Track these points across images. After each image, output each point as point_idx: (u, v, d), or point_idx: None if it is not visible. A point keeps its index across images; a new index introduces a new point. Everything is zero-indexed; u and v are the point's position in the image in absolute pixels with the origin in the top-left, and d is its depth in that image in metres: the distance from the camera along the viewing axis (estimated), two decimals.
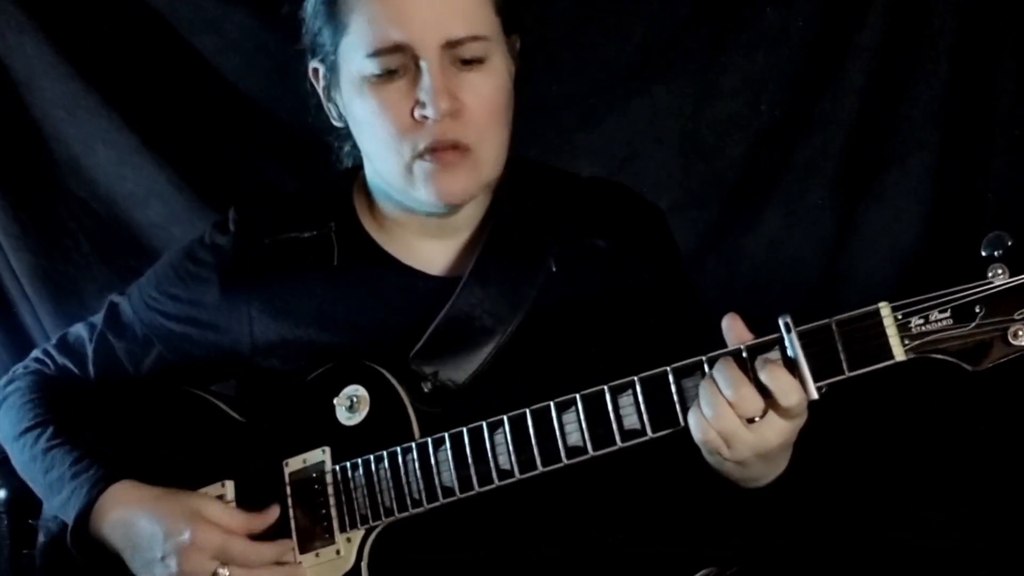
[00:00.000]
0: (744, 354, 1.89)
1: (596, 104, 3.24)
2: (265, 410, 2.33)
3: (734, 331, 1.92)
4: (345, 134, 2.33)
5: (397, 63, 2.12)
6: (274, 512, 2.23)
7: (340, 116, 2.29)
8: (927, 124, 3.13)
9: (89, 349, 2.43)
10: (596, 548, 2.24)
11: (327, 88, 2.28)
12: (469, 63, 2.13)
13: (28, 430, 2.35)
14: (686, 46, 3.22)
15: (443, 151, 2.14)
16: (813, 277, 3.20)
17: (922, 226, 3.12)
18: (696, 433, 1.90)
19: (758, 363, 1.87)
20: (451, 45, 2.11)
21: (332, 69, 2.24)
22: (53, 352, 2.47)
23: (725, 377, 1.87)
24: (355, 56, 2.16)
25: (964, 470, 3.03)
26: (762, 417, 1.87)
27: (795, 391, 1.85)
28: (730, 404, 1.86)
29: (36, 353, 2.50)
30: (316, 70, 2.29)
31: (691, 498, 2.24)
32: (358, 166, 2.38)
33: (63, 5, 3.21)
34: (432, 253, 2.32)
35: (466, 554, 2.19)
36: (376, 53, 2.13)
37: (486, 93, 2.15)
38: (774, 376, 1.85)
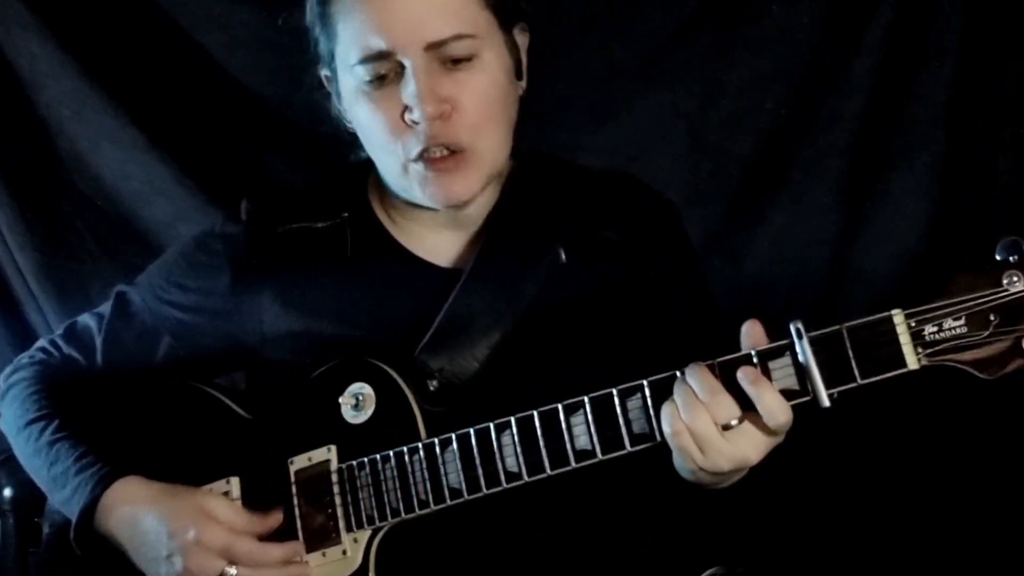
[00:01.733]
0: (755, 359, 1.88)
1: (603, 103, 3.23)
2: (271, 407, 2.31)
3: (751, 336, 1.91)
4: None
5: (385, 69, 2.12)
6: (279, 515, 2.21)
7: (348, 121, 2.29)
8: (933, 123, 3.13)
9: (98, 340, 2.41)
10: (603, 549, 2.23)
11: (334, 95, 2.28)
12: (458, 62, 2.12)
13: (33, 422, 2.34)
14: (692, 45, 3.22)
15: (439, 159, 2.14)
16: (819, 275, 3.20)
17: (928, 225, 3.13)
18: (667, 428, 1.90)
19: (742, 377, 1.86)
20: (435, 46, 2.10)
21: (334, 76, 2.24)
22: (60, 342, 2.45)
23: (699, 382, 1.87)
24: (347, 64, 2.17)
25: (964, 472, 3.04)
26: (738, 425, 1.87)
27: (783, 412, 1.85)
28: (705, 407, 1.86)
29: (41, 343, 2.49)
30: (326, 77, 2.29)
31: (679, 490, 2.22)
32: None
33: (69, 2, 3.21)
34: (444, 244, 2.32)
35: (473, 555, 2.18)
36: (363, 60, 2.13)
37: (478, 91, 2.14)
38: (761, 393, 1.85)
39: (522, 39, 2.27)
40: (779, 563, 2.76)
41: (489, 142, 2.18)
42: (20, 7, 3.18)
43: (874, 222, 3.17)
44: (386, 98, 2.14)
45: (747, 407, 1.87)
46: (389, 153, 2.18)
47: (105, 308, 2.45)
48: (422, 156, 2.14)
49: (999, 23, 3.05)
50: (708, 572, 2.26)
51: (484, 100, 2.15)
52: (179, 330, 2.37)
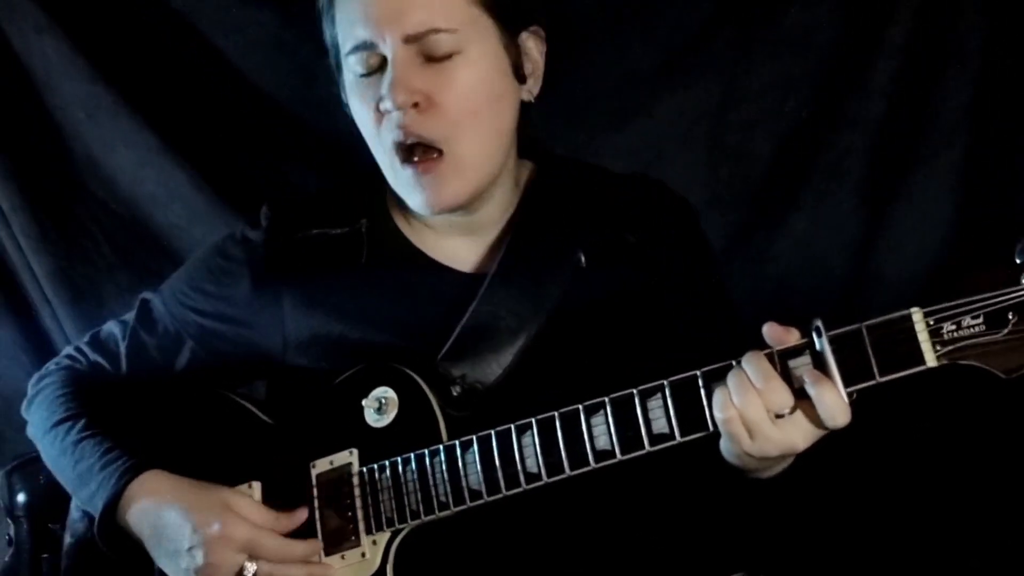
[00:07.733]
0: (776, 359, 1.89)
1: (622, 105, 3.24)
2: (293, 412, 2.32)
3: (771, 338, 1.90)
4: None
5: (372, 60, 2.16)
6: (302, 514, 2.22)
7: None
8: (955, 124, 3.12)
9: (122, 346, 2.42)
10: (622, 552, 2.22)
11: (340, 87, 2.29)
12: (438, 57, 2.13)
13: (59, 423, 2.35)
14: (712, 47, 3.22)
15: (421, 162, 2.15)
16: (840, 278, 3.20)
17: (950, 227, 3.12)
18: (718, 413, 1.89)
19: (806, 374, 1.85)
20: (413, 39, 2.12)
21: (337, 67, 2.26)
22: (85, 349, 2.47)
23: (754, 368, 1.87)
24: (343, 54, 2.20)
25: (983, 473, 3.03)
26: (790, 414, 1.87)
27: (843, 413, 1.84)
28: (758, 393, 1.86)
29: (68, 350, 2.50)
30: (335, 68, 2.29)
31: (702, 492, 2.23)
32: None
33: (83, 5, 3.22)
34: (462, 250, 2.32)
35: (491, 558, 2.18)
36: (352, 51, 2.17)
37: (458, 87, 2.14)
38: (822, 391, 1.84)
39: (533, 43, 2.27)
40: (798, 569, 2.76)
41: (470, 143, 2.17)
42: (35, 10, 3.20)
43: (895, 224, 3.17)
44: (370, 88, 2.17)
45: (799, 396, 1.87)
46: (375, 145, 2.21)
47: (130, 315, 2.46)
48: (400, 149, 2.15)
49: (1021, 24, 3.04)
50: None
51: (465, 96, 2.15)
52: (201, 336, 2.39)
